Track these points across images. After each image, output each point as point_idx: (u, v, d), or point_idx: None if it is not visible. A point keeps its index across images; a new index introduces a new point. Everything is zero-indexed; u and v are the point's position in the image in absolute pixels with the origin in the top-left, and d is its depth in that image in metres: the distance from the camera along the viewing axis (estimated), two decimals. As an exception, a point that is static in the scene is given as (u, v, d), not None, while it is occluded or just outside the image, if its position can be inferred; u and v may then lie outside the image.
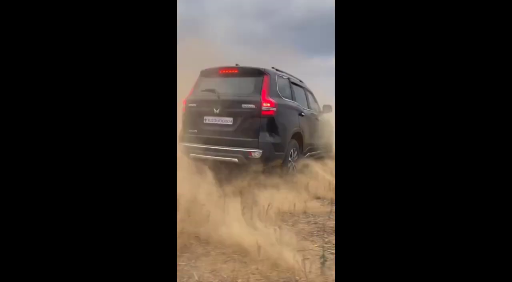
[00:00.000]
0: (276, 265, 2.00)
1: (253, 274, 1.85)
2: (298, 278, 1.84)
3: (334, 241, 2.38)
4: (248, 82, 3.57)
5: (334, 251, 2.21)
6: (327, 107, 5.18)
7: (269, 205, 2.84)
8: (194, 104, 3.69)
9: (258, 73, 3.57)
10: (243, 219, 2.57)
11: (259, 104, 3.37)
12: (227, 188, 3.26)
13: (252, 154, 3.33)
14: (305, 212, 3.03)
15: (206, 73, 3.88)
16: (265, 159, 3.39)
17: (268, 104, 3.40)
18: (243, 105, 3.39)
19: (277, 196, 3.18)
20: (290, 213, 2.98)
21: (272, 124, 3.43)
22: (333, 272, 1.92)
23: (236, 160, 3.37)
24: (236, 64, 3.84)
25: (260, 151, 3.33)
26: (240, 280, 1.77)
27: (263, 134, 3.38)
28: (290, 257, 2.02)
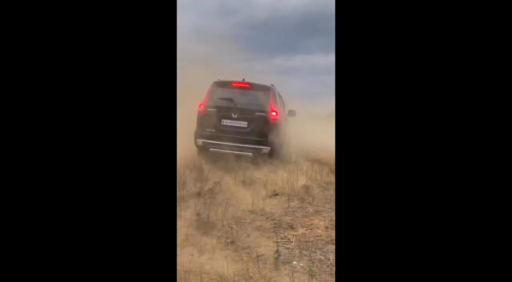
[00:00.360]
0: (232, 262, 2.00)
1: (207, 273, 1.83)
2: (252, 274, 1.86)
3: (289, 237, 2.44)
4: (258, 95, 4.89)
5: (288, 246, 2.27)
6: (291, 112, 5.75)
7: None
8: (214, 109, 4.71)
9: (265, 88, 4.95)
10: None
11: (268, 113, 4.70)
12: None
13: (263, 150, 4.57)
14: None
15: (219, 84, 4.96)
16: (271, 154, 4.63)
17: (275, 113, 4.74)
18: (256, 113, 4.67)
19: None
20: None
21: (277, 128, 4.75)
22: (287, 266, 1.98)
23: (250, 154, 4.55)
24: (243, 79, 5.10)
25: (269, 148, 4.58)
26: (193, 281, 1.75)
27: (271, 135, 4.65)
28: (245, 254, 2.03)
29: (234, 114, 4.67)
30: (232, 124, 4.70)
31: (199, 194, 3.39)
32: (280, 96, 5.51)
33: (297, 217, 2.88)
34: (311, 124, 7.87)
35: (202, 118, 4.75)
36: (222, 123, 4.70)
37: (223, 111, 4.70)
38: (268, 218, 2.85)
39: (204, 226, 2.52)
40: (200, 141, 4.68)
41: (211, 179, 3.87)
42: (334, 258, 2.09)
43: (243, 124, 4.68)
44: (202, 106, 4.79)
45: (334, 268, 1.96)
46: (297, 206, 3.15)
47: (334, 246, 2.26)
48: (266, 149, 4.56)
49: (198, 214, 2.71)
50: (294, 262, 2.03)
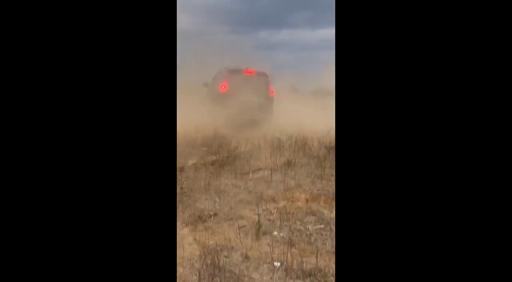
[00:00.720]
0: (214, 233, 2.07)
1: (190, 244, 1.88)
2: (234, 245, 1.92)
3: (270, 209, 2.51)
4: (261, 80, 6.95)
5: (270, 217, 2.34)
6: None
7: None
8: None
9: (264, 74, 7.14)
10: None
11: (269, 92, 7.04)
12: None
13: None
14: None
15: (233, 72, 6.81)
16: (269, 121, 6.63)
17: (272, 92, 7.12)
18: (262, 92, 6.82)
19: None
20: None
21: (272, 102, 7.09)
22: (268, 236, 2.06)
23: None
24: (247, 68, 7.02)
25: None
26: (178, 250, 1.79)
27: (271, 107, 7.02)
28: (227, 226, 2.09)
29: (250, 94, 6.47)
30: (249, 99, 6.41)
31: (182, 169, 3.41)
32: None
33: (279, 190, 2.96)
34: (296, 102, 8.07)
35: (225, 95, 6.46)
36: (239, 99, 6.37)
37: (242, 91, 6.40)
38: (251, 191, 2.92)
39: (187, 199, 2.56)
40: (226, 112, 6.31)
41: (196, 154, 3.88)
42: (313, 228, 2.19)
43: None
44: (224, 86, 6.62)
45: (312, 238, 2.06)
46: (279, 180, 3.23)
47: (314, 218, 2.36)
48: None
49: (181, 188, 2.74)
50: (275, 233, 2.11)
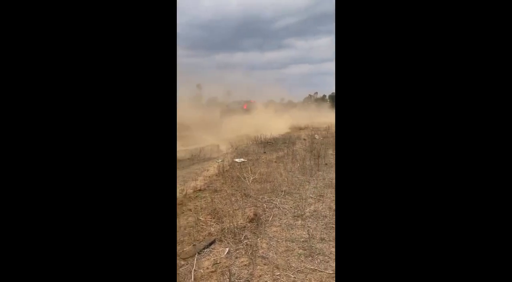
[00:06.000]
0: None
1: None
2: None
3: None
4: (254, 103, 16.30)
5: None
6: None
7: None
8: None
9: (254, 102, 16.49)
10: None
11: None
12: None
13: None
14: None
15: (246, 101, 15.90)
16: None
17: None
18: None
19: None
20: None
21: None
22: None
23: None
24: (250, 100, 16.55)
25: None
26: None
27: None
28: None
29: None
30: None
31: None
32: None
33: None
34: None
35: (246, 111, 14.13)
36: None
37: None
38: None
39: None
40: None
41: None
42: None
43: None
44: (245, 107, 14.56)
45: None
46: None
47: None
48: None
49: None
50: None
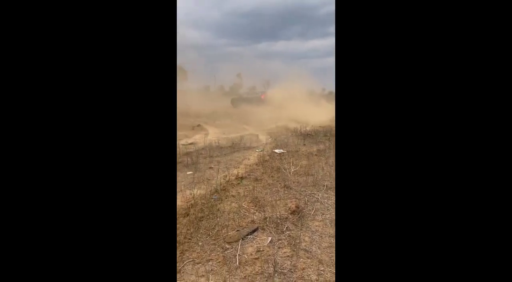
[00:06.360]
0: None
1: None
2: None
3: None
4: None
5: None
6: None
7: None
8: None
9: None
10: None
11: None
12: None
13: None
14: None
15: (262, 92, 17.93)
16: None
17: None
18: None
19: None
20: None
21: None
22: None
23: None
24: (264, 91, 18.84)
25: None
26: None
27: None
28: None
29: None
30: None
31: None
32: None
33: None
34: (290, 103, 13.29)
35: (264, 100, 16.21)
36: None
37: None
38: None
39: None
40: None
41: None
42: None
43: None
44: (263, 97, 16.33)
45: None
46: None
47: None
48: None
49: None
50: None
